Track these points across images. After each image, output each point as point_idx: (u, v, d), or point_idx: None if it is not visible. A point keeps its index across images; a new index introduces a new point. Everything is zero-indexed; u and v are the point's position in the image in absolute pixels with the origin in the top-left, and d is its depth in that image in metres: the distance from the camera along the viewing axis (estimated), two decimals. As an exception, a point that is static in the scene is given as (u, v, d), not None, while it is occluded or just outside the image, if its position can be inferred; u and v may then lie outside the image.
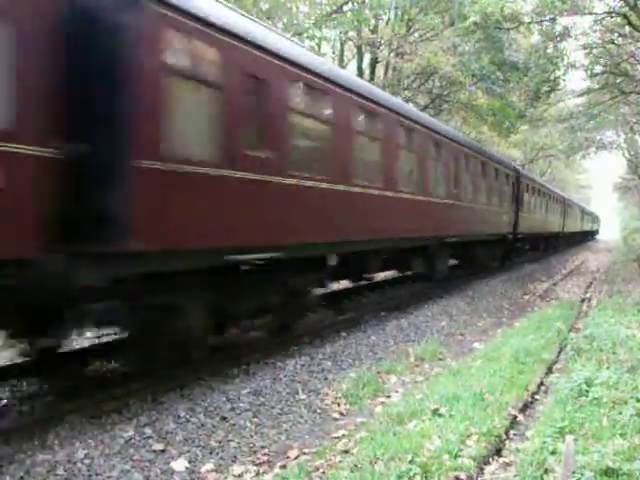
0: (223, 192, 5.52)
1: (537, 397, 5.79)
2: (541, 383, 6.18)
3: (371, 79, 19.40)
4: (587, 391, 5.15)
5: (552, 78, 20.37)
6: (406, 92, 21.55)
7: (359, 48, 20.75)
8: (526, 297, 14.59)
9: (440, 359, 7.68)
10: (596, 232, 69.73)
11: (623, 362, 6.04)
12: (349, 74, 10.20)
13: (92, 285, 4.22)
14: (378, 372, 6.84)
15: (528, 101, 21.91)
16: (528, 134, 32.80)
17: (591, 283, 17.64)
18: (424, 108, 21.21)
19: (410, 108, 11.67)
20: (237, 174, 5.62)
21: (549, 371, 6.69)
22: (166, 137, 4.82)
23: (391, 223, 9.23)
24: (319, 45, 19.78)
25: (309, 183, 6.88)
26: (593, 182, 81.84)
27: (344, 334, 8.44)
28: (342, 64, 21.04)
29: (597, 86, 23.52)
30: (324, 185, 7.23)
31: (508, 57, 18.92)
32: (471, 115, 24.06)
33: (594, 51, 20.92)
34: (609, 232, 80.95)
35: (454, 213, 12.52)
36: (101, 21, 4.18)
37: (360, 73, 19.55)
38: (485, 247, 16.38)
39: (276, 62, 6.26)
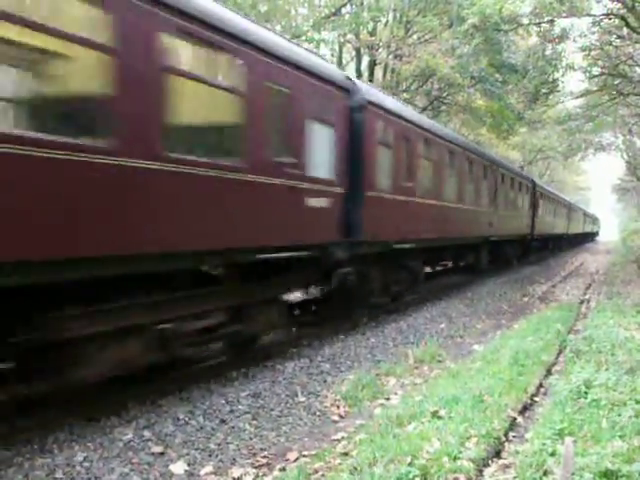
0: (394, 207, 9.52)
1: (536, 399, 5.78)
2: (540, 385, 6.17)
3: (370, 81, 19.40)
4: (586, 393, 5.14)
5: (551, 80, 20.43)
6: (405, 94, 21.57)
7: (358, 50, 20.79)
8: (525, 299, 14.58)
9: (439, 361, 7.66)
10: (596, 234, 69.65)
11: (622, 364, 6.03)
12: (444, 128, 14.66)
13: (343, 259, 7.93)
14: (377, 374, 6.83)
15: (526, 103, 21.97)
16: (527, 136, 32.83)
17: (590, 285, 17.62)
18: (423, 110, 21.23)
19: (470, 144, 15.67)
20: (399, 197, 9.72)
21: (548, 373, 6.68)
22: (375, 177, 8.84)
23: (459, 227, 13.40)
24: (318, 47, 19.78)
25: (425, 201, 11.01)
26: (592, 184, 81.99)
27: (342, 336, 8.44)
28: (341, 66, 21.06)
29: (595, 88, 23.54)
30: (432, 202, 11.37)
31: (506, 59, 18.95)
32: (470, 117, 24.09)
33: (592, 53, 20.89)
34: (608, 233, 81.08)
35: (494, 218, 16.57)
36: (354, 118, 8.15)
37: (359, 75, 19.56)
38: (511, 246, 20.57)
39: (414, 127, 10.48)
